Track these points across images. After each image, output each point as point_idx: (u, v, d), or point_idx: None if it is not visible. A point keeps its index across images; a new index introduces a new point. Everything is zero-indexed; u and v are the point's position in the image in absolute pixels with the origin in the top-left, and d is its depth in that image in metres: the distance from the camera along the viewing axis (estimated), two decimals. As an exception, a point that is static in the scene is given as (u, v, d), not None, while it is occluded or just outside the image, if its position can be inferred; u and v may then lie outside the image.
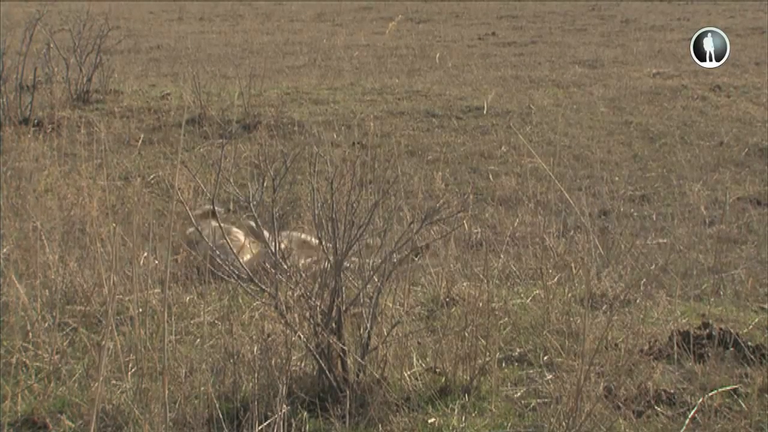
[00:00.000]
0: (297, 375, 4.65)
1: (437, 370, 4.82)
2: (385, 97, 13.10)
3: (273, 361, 4.55)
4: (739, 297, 6.33)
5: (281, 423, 4.16)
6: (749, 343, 5.17)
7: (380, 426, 4.42)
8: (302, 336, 4.56)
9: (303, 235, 6.50)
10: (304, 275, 4.71)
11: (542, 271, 6.08)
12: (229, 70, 15.08)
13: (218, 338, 5.06)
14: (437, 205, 4.88)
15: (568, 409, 4.34)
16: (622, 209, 8.54)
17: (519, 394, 4.76)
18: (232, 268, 4.75)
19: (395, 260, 4.69)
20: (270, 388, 4.44)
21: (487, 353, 4.84)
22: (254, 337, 4.81)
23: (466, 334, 4.84)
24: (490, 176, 9.53)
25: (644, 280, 6.32)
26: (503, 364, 5.01)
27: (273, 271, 4.61)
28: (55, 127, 10.56)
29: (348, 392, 4.44)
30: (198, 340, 5.22)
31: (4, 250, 6.17)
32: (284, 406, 4.20)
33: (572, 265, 6.18)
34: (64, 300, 5.60)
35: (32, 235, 6.19)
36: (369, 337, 4.63)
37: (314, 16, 24.82)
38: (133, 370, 4.73)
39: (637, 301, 5.89)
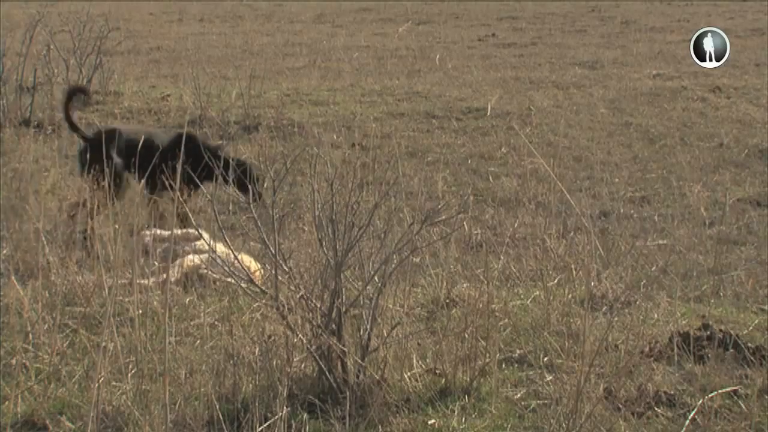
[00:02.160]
0: (297, 376, 4.65)
1: (437, 372, 4.82)
2: (385, 98, 13.10)
3: (273, 363, 4.55)
4: (739, 298, 6.33)
5: (281, 424, 4.16)
6: (749, 345, 5.18)
7: (380, 427, 4.42)
8: (303, 337, 4.56)
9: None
10: (303, 275, 4.71)
11: (542, 273, 6.08)
12: (229, 71, 15.08)
13: (218, 339, 5.06)
14: (437, 206, 4.88)
15: (568, 410, 4.34)
16: (622, 210, 8.54)
17: (519, 395, 4.76)
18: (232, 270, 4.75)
19: (395, 261, 4.69)
20: (270, 390, 4.44)
21: (487, 354, 4.84)
22: (254, 338, 4.81)
23: (466, 336, 4.84)
24: (490, 177, 9.54)
25: (644, 281, 6.33)
26: (503, 366, 5.01)
27: (273, 272, 4.61)
28: (55, 129, 10.56)
29: (348, 393, 4.44)
30: (198, 341, 5.22)
31: (5, 251, 6.17)
32: (284, 407, 4.19)
33: (572, 266, 6.18)
34: (64, 301, 5.60)
35: (32, 236, 6.20)
36: (369, 339, 4.63)
37: (314, 17, 24.84)
38: (133, 371, 4.73)
39: (637, 302, 5.89)
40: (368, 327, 4.62)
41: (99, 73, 12.49)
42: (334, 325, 4.59)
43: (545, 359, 5.09)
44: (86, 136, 7.62)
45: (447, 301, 5.71)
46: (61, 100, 7.94)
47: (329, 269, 4.62)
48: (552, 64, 16.49)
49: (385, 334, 4.67)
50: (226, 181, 7.21)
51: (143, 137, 7.48)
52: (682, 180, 9.35)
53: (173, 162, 7.14)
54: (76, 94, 7.96)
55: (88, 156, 7.35)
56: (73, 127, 7.68)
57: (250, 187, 6.87)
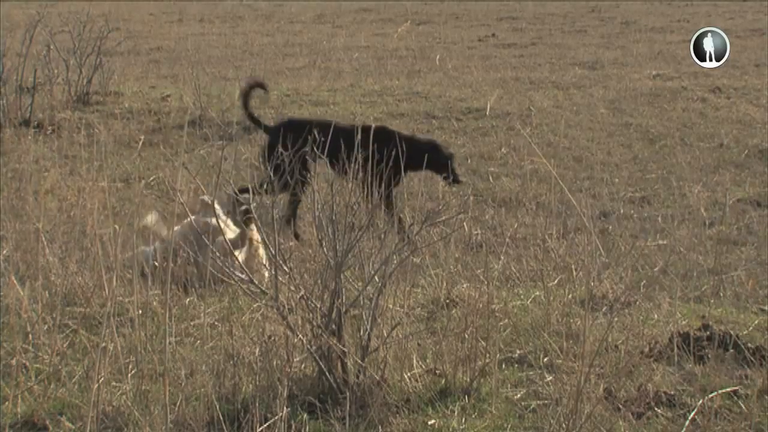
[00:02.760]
0: (297, 377, 4.65)
1: (437, 372, 4.82)
2: (385, 98, 13.10)
3: (273, 363, 4.55)
4: (739, 298, 6.33)
5: (281, 425, 4.16)
6: (749, 345, 5.18)
7: (380, 427, 4.42)
8: (303, 338, 4.56)
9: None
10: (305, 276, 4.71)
11: (542, 273, 6.08)
12: (229, 71, 15.08)
13: (218, 340, 5.06)
14: (438, 206, 4.88)
15: (568, 410, 4.34)
16: (622, 211, 8.54)
17: (519, 395, 4.76)
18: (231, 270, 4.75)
19: (395, 262, 4.69)
20: (270, 390, 4.44)
21: (487, 355, 4.84)
22: (255, 338, 4.81)
23: (466, 336, 4.84)
24: (491, 178, 9.53)
25: (644, 281, 6.32)
26: (503, 366, 5.01)
27: (273, 273, 4.61)
28: (55, 129, 10.57)
29: (348, 394, 4.44)
30: (198, 341, 5.22)
31: (5, 251, 6.17)
32: (284, 407, 4.19)
33: (572, 266, 6.18)
34: (64, 302, 5.60)
35: (32, 236, 6.19)
36: (369, 339, 4.63)
37: (314, 17, 24.83)
38: (133, 371, 4.73)
39: (638, 302, 5.90)
40: (368, 327, 4.62)
41: (99, 73, 12.48)
42: (334, 326, 4.59)
43: (545, 359, 5.09)
44: (267, 127, 7.87)
45: (447, 301, 5.71)
46: (240, 93, 8.21)
47: (329, 270, 4.62)
48: (552, 64, 16.49)
49: (385, 335, 4.67)
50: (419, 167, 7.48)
51: (335, 128, 7.60)
52: (682, 180, 9.34)
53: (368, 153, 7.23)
54: (254, 88, 8.18)
55: (270, 148, 7.58)
56: (253, 120, 7.95)
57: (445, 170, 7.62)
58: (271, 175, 7.19)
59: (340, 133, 7.57)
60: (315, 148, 7.11)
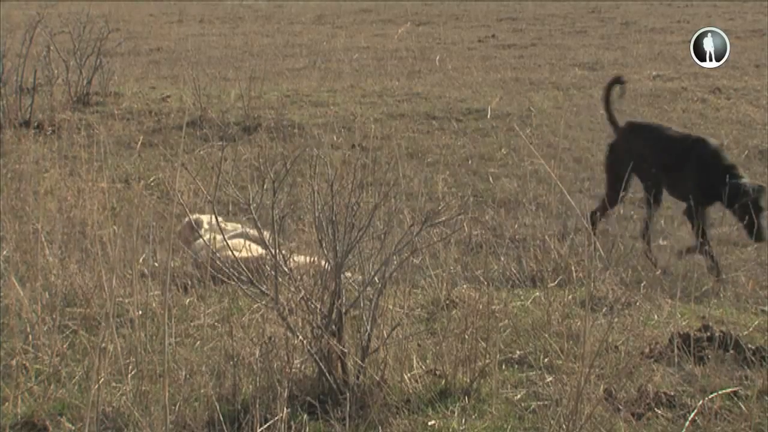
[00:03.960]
0: (297, 377, 4.65)
1: (437, 373, 4.82)
2: (385, 99, 13.10)
3: (274, 364, 4.55)
4: (739, 299, 6.33)
5: (282, 425, 4.16)
6: (749, 346, 5.18)
7: (380, 428, 4.42)
8: (303, 339, 4.56)
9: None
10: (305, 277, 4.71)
11: (542, 274, 6.08)
12: (229, 72, 15.09)
13: (218, 341, 5.06)
14: (437, 207, 4.88)
15: (568, 411, 4.34)
16: (622, 211, 8.54)
17: (519, 396, 4.76)
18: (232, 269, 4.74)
19: (395, 262, 4.69)
20: (270, 391, 4.44)
21: (488, 355, 4.84)
22: (255, 339, 4.80)
23: (467, 337, 4.84)
24: (491, 178, 9.53)
25: (644, 282, 6.32)
26: (503, 367, 5.01)
27: (273, 273, 4.61)
28: (55, 130, 10.57)
29: (348, 394, 4.44)
30: (198, 342, 5.22)
31: (4, 252, 6.17)
32: (285, 408, 4.19)
33: (573, 267, 6.18)
34: (64, 302, 5.60)
35: (32, 237, 6.19)
36: (369, 340, 4.63)
37: (314, 18, 24.84)
38: (133, 372, 4.73)
39: (638, 303, 5.90)
40: (368, 328, 4.62)
41: (99, 74, 12.49)
42: (334, 327, 4.59)
43: (545, 360, 5.08)
44: (617, 128, 7.68)
45: (447, 302, 5.71)
46: (603, 90, 7.92)
47: (329, 270, 4.62)
48: (552, 65, 16.49)
49: (385, 335, 4.66)
50: (729, 206, 6.99)
51: (664, 137, 7.41)
52: (683, 181, 9.32)
53: (676, 170, 7.05)
54: (615, 84, 7.92)
55: (615, 151, 7.48)
56: (610, 118, 7.75)
57: (756, 222, 6.77)
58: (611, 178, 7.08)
59: (667, 143, 7.36)
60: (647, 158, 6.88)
